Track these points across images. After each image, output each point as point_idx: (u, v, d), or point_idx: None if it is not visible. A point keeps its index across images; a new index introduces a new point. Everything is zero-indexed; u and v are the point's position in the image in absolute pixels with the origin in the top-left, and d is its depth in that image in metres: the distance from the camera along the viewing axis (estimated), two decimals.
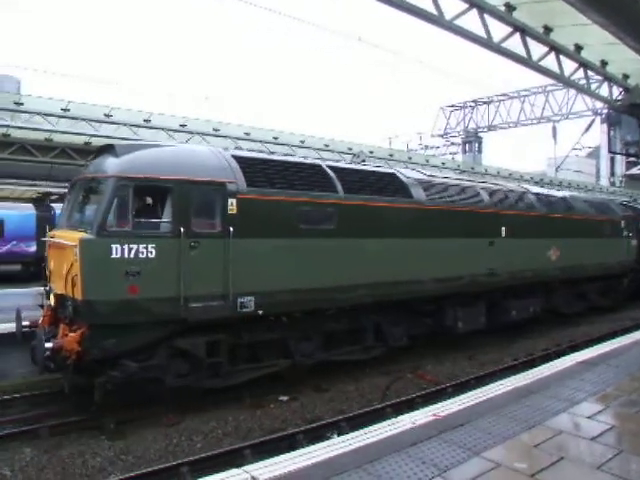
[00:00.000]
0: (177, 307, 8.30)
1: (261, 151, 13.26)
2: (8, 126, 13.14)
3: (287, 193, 9.67)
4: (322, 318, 10.58)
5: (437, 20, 9.81)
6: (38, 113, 14.03)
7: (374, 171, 11.97)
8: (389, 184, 11.67)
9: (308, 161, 11.25)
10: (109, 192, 8.22)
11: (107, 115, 14.75)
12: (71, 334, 8.02)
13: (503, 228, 14.17)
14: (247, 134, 17.77)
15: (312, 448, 5.13)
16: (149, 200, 8.82)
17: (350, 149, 21.01)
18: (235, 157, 9.57)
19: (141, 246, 8.13)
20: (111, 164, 8.65)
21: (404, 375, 11.60)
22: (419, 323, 12.69)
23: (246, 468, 4.58)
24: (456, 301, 13.03)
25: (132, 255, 8.05)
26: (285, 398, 9.96)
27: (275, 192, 9.52)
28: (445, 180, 13.50)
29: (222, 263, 8.75)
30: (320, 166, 10.82)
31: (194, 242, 8.51)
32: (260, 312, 9.22)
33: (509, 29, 11.09)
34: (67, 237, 8.45)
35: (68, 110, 14.18)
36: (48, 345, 7.96)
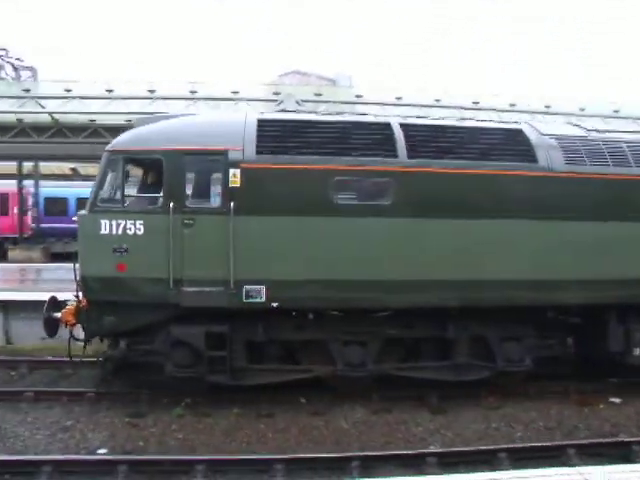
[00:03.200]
0: (166, 290, 7.65)
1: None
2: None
3: (316, 160, 7.85)
4: (379, 320, 8.49)
5: None
6: (377, 103, 15.16)
7: (468, 127, 8.96)
8: (496, 144, 8.48)
9: (360, 118, 9.09)
10: (102, 166, 8.09)
11: (437, 100, 15.20)
12: (69, 306, 8.31)
13: None
14: (547, 107, 16.28)
15: None
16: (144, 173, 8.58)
17: None
18: (260, 120, 8.26)
19: (129, 222, 7.67)
20: (115, 139, 8.42)
21: None
22: (555, 342, 9.02)
23: (580, 469, 4.24)
24: (631, 313, 8.82)
25: (120, 231, 7.66)
26: (617, 400, 8.96)
27: (297, 159, 7.84)
28: (613, 136, 9.39)
29: (222, 244, 7.63)
30: (387, 124, 8.44)
31: (188, 219, 7.68)
32: (274, 305, 7.81)
33: None
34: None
35: (400, 98, 15.06)
36: (56, 315, 8.28)
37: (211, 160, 7.94)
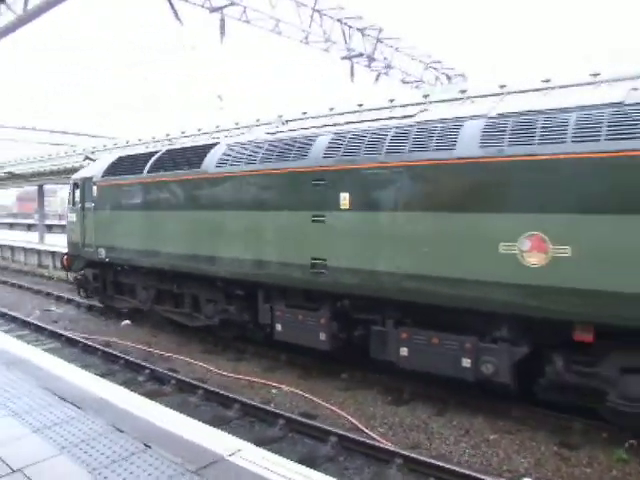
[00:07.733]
0: (79, 249, 14.60)
1: None
2: None
3: (114, 179, 13.34)
4: (148, 275, 12.86)
5: None
6: None
7: (186, 148, 12.29)
8: (187, 157, 11.61)
9: (147, 150, 14.35)
10: (70, 186, 15.46)
11: None
12: (66, 256, 15.80)
13: (344, 196, 8.34)
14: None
15: None
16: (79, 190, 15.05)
17: None
18: (119, 156, 14.31)
19: (73, 214, 14.91)
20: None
21: None
22: (229, 309, 11.06)
23: None
24: (274, 293, 10.03)
25: (71, 219, 15.04)
26: None
27: (110, 179, 13.50)
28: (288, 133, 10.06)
29: (93, 225, 13.94)
30: (155, 152, 12.94)
31: (85, 212, 14.28)
32: (107, 260, 13.50)
33: None
34: None
35: None
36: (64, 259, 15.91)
37: (89, 182, 14.16)
